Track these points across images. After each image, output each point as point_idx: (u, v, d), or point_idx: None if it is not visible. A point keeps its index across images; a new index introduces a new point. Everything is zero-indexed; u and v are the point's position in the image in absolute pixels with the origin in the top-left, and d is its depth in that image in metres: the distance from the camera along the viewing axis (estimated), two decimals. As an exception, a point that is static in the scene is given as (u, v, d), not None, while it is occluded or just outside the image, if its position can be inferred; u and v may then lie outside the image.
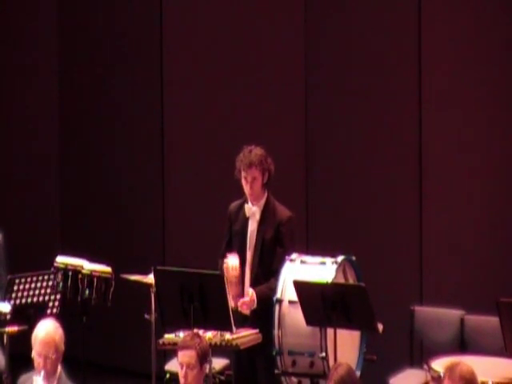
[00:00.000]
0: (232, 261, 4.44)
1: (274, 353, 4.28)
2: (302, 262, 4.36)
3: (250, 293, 4.41)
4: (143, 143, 6.37)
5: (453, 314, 4.76)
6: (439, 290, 5.11)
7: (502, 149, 5.40)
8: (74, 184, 6.70)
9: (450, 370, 3.46)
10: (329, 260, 4.34)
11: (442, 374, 3.83)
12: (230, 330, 4.12)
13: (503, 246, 5.23)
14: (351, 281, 4.38)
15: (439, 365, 3.95)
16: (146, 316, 4.57)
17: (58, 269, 4.45)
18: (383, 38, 5.61)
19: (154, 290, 4.42)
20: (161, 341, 4.32)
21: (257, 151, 4.47)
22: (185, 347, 3.53)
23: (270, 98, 6.00)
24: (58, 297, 4.42)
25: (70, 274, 4.42)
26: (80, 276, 4.43)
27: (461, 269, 5.18)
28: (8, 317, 4.18)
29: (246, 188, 4.46)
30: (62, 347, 3.58)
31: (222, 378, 4.61)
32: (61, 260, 4.49)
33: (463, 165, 5.40)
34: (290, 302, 4.27)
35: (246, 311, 4.39)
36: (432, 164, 5.48)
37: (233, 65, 6.07)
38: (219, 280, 4.20)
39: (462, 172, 5.45)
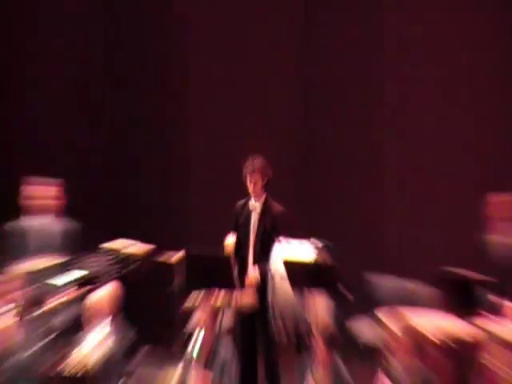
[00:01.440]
0: (229, 239, 5.61)
1: (270, 316, 5.33)
2: (288, 243, 5.35)
3: (252, 272, 5.53)
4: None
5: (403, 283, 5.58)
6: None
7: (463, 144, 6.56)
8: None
9: (401, 325, 3.94)
10: (309, 243, 5.36)
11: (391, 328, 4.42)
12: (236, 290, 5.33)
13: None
14: (327, 261, 5.34)
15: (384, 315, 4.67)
16: (170, 289, 5.56)
17: (104, 250, 5.56)
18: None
19: (178, 268, 5.52)
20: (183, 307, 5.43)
21: (259, 160, 5.62)
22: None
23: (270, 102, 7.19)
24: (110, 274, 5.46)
25: (115, 255, 5.51)
26: (122, 256, 5.51)
27: (417, 258, 6.31)
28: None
29: (250, 188, 5.62)
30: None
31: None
32: (107, 244, 5.60)
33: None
34: (281, 277, 5.28)
35: (252, 286, 5.50)
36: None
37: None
38: (228, 261, 5.38)
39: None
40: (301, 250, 5.49)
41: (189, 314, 5.56)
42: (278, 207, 5.65)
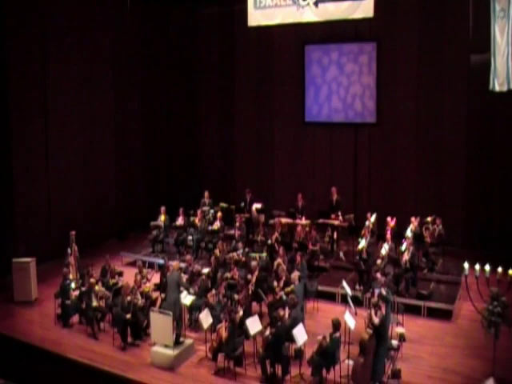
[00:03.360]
0: (242, 204, 26.99)
1: (253, 218, 26.69)
2: (255, 204, 27.03)
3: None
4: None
5: (280, 212, 27.03)
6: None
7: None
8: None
9: (278, 220, 24.50)
10: (259, 204, 27.24)
11: (277, 221, 25.98)
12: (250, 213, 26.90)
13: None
14: (264, 207, 26.91)
15: (276, 218, 26.49)
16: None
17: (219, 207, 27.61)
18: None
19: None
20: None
21: (248, 189, 27.36)
22: None
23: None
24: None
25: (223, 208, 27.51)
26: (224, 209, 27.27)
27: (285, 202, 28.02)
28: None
29: (247, 195, 26.98)
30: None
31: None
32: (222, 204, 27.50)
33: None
34: (253, 211, 26.44)
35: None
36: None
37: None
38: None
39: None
40: (257, 205, 26.86)
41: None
42: (252, 197, 26.98)
